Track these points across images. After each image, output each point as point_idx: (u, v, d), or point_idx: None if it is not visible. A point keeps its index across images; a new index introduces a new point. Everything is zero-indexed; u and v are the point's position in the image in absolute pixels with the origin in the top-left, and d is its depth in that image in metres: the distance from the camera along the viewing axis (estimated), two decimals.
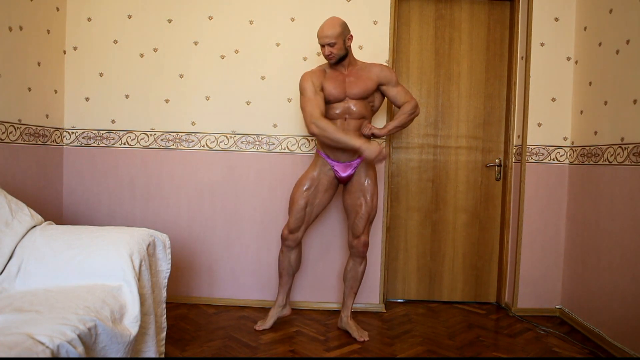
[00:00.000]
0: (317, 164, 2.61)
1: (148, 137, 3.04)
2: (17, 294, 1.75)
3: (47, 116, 2.86)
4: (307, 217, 2.59)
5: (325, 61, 2.58)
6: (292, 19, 2.98)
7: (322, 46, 2.45)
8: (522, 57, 3.04)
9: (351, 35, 2.48)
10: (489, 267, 3.26)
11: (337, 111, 2.52)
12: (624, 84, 2.46)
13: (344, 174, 2.57)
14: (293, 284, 2.86)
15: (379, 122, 2.95)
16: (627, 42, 2.43)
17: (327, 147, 2.55)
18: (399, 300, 3.27)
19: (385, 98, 2.67)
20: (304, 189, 2.56)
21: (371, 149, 2.34)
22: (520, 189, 3.02)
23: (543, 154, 2.99)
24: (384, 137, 2.92)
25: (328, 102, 2.51)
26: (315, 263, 3.05)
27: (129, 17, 3.01)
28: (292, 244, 2.61)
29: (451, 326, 2.81)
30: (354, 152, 2.50)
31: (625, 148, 2.42)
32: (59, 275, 1.85)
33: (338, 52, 2.44)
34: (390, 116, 3.03)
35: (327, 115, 2.53)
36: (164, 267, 2.09)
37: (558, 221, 3.00)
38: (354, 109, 2.51)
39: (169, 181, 3.05)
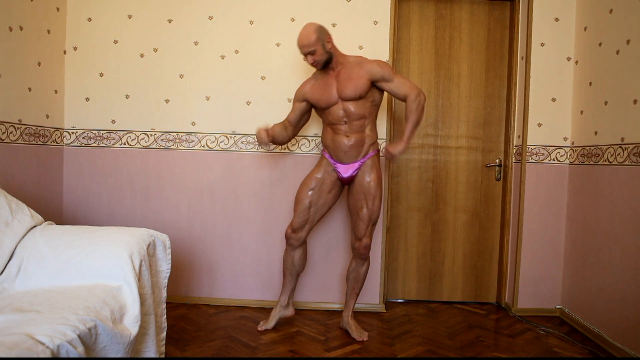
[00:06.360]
0: (322, 165, 2.61)
1: (148, 137, 3.04)
2: (17, 294, 1.75)
3: (47, 116, 2.86)
4: (311, 217, 2.59)
5: None
6: (292, 19, 2.98)
7: (305, 55, 2.45)
8: (522, 57, 3.04)
9: (330, 37, 2.43)
10: (489, 267, 3.26)
11: (334, 116, 2.49)
12: (624, 84, 2.46)
13: (345, 175, 2.56)
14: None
15: (379, 122, 2.94)
16: (627, 42, 2.43)
17: (330, 148, 2.56)
18: (399, 301, 3.27)
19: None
20: (309, 189, 2.57)
21: None
22: (520, 189, 3.02)
23: (543, 154, 2.99)
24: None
25: (322, 108, 2.52)
26: (316, 263, 3.05)
27: (129, 17, 3.01)
28: (296, 243, 2.61)
29: (451, 326, 2.81)
30: (357, 154, 2.51)
31: (625, 148, 2.42)
32: (59, 275, 1.85)
33: (320, 58, 2.42)
34: (391, 114, 3.03)
35: (326, 121, 2.55)
36: (164, 267, 2.08)
37: (558, 221, 3.00)
38: (352, 110, 2.45)
39: (169, 181, 3.05)
